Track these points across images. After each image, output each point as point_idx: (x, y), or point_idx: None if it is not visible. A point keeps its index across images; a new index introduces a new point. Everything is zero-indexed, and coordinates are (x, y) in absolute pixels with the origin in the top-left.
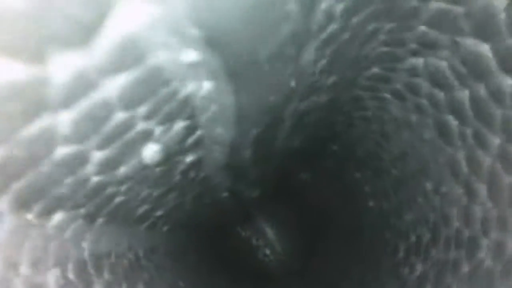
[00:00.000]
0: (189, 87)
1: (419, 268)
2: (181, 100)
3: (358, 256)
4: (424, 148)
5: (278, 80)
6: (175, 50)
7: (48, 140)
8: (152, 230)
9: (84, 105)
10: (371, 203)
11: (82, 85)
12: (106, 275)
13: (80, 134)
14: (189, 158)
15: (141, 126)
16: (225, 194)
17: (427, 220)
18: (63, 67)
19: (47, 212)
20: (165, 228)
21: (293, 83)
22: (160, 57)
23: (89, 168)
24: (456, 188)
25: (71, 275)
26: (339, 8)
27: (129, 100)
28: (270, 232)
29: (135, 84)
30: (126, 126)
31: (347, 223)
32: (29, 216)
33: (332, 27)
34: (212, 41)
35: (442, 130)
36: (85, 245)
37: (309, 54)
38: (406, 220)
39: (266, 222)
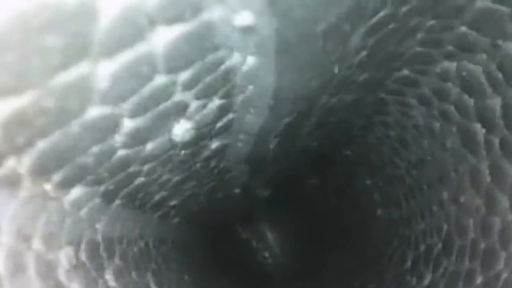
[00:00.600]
0: (234, 59)
1: (428, 277)
2: (223, 73)
3: (362, 264)
4: (445, 157)
5: (325, 63)
6: (233, 7)
7: (83, 94)
8: (164, 220)
9: (127, 56)
10: (379, 211)
11: (130, 31)
12: (117, 261)
13: (117, 91)
14: (215, 144)
15: (179, 96)
16: (238, 190)
17: (439, 230)
18: (113, 3)
19: (66, 185)
20: (175, 220)
21: (336, 69)
22: (215, 13)
23: (118, 138)
24: (476, 199)
25: (83, 256)
26: None
27: (174, 61)
28: (271, 236)
29: (184, 41)
30: (165, 92)
31: (352, 230)
32: (47, 187)
33: (384, 12)
34: (275, 2)
35: (467, 139)
36: (99, 226)
37: (356, 39)
38: (416, 229)
39: (269, 224)
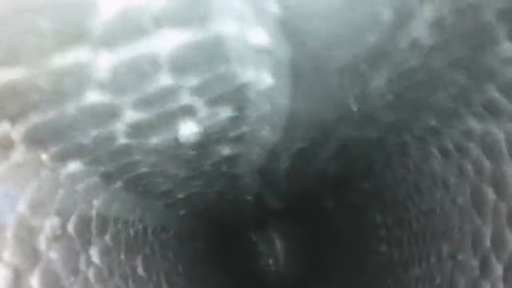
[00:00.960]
0: (248, 75)
1: None
2: (236, 86)
3: None
4: (453, 212)
5: (341, 98)
6: (246, 23)
7: (80, 79)
8: (169, 209)
9: (129, 50)
10: (382, 248)
11: (132, 25)
12: (108, 239)
13: (118, 83)
14: (226, 152)
15: (187, 99)
16: (250, 197)
17: (432, 281)
18: (115, 1)
19: (63, 158)
20: (181, 212)
21: (354, 107)
22: (227, 26)
23: (119, 126)
24: (472, 260)
25: (71, 229)
26: (427, 42)
27: (180, 65)
28: (280, 245)
29: (191, 47)
30: (171, 93)
31: (354, 261)
32: (44, 157)
33: (414, 62)
34: (290, 27)
35: (477, 200)
36: (95, 202)
37: (380, 81)
38: (411, 274)
39: (280, 234)
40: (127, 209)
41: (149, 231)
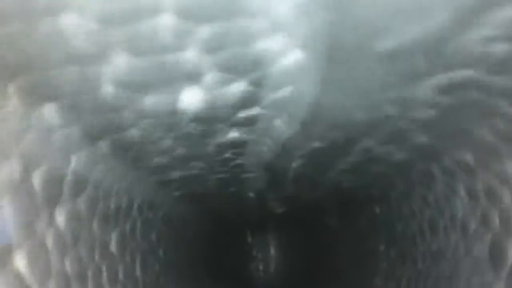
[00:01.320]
0: (273, 40)
1: None
2: (256, 52)
3: None
4: (466, 260)
5: (378, 97)
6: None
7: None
8: (161, 189)
9: None
10: (378, 281)
11: None
12: (81, 203)
13: (104, 13)
14: (233, 135)
15: (192, 55)
16: (252, 194)
17: None
18: None
19: (34, 94)
20: (175, 194)
21: (390, 112)
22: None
23: (105, 70)
24: None
25: (36, 181)
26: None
27: (189, 5)
28: (274, 252)
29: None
30: (173, 42)
31: (344, 287)
32: (11, 89)
33: (470, 70)
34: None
35: (496, 254)
36: (74, 160)
37: (429, 85)
38: None
39: (275, 240)
40: (113, 176)
41: (134, 206)
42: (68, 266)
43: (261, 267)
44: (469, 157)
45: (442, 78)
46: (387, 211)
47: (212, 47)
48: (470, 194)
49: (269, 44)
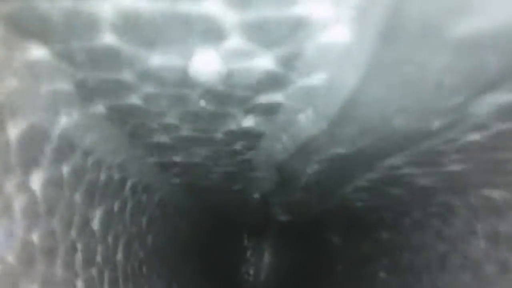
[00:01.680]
0: (316, 13)
1: None
2: (293, 20)
3: None
4: None
5: (429, 104)
6: None
7: None
8: (161, 171)
9: None
10: None
11: None
12: (64, 171)
13: None
14: (248, 123)
15: (216, 12)
16: (257, 195)
17: None
18: None
19: (19, 30)
20: (174, 180)
21: (435, 126)
22: None
23: (104, 17)
24: None
25: (12, 136)
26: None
27: None
28: (267, 259)
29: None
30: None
31: None
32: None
33: None
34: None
35: None
36: (63, 119)
37: (485, 105)
38: None
39: (271, 248)
40: (106, 147)
41: (128, 184)
42: (36, 237)
43: (251, 272)
44: (497, 195)
45: (508, 94)
46: (395, 238)
47: (240, 5)
48: (490, 236)
49: (311, 11)
